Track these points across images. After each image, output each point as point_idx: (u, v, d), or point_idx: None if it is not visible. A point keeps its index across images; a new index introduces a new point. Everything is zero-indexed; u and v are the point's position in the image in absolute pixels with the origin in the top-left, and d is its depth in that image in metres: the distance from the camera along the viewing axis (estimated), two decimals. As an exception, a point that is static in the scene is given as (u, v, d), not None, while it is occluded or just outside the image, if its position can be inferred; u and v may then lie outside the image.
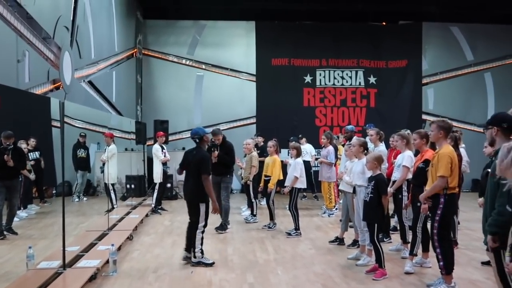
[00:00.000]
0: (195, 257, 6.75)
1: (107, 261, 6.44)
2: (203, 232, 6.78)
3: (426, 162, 6.04)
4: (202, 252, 6.77)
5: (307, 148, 13.22)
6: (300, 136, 13.35)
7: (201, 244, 6.78)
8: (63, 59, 7.72)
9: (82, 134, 10.12)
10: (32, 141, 7.76)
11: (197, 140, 6.98)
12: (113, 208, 10.25)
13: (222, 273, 6.38)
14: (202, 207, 6.73)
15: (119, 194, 11.42)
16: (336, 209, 10.86)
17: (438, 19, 16.50)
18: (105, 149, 10.17)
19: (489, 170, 4.37)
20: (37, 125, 7.87)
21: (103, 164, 10.04)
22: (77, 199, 10.07)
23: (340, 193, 10.67)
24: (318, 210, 11.67)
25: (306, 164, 12.32)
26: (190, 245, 6.87)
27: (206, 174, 6.71)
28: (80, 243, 7.39)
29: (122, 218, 9.91)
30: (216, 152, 9.22)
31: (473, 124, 15.26)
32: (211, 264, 6.71)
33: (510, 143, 3.31)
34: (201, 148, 7.01)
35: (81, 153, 10.21)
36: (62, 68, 7.70)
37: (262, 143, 12.72)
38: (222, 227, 9.23)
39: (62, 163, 6.34)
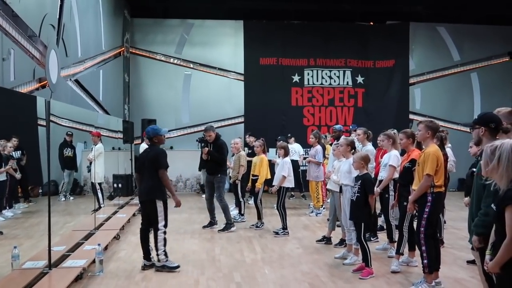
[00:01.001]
0: (159, 260, 6.43)
1: (94, 261, 6.40)
2: (164, 232, 6.42)
3: (413, 161, 6.08)
4: (166, 255, 6.44)
5: (296, 148, 13.23)
6: (289, 135, 13.36)
7: (164, 245, 6.42)
8: (49, 57, 7.67)
9: (68, 133, 10.03)
10: (14, 141, 7.67)
11: (148, 139, 6.96)
12: (100, 207, 10.18)
13: (209, 273, 6.38)
14: (160, 205, 6.41)
15: (106, 194, 11.35)
16: (324, 208, 10.90)
17: (425, 19, 16.61)
18: (92, 148, 10.10)
19: (475, 169, 4.41)
20: (22, 124, 7.78)
21: (90, 163, 9.98)
22: (63, 199, 9.98)
23: (327, 193, 10.73)
24: (305, 209, 11.70)
25: (294, 163, 12.34)
26: (147, 252, 6.58)
27: (163, 169, 6.44)
28: (66, 242, 7.33)
29: (109, 218, 9.86)
30: (206, 149, 9.20)
31: (460, 124, 15.37)
32: (175, 268, 6.43)
33: (493, 144, 3.32)
34: (155, 146, 6.72)
35: (67, 152, 10.12)
36: (48, 67, 7.64)
37: (253, 143, 12.70)
38: (226, 227, 9.16)
39: (48, 162, 6.29)
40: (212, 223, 9.49)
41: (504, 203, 3.12)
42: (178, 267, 6.46)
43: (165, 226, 6.46)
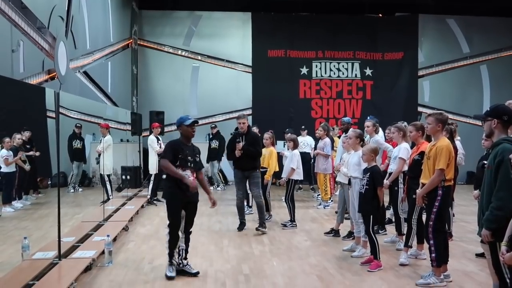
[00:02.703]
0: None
1: (103, 252, 6.43)
2: (169, 233, 5.83)
3: (422, 154, 6.05)
4: (170, 259, 5.85)
5: (308, 140, 13.17)
6: (302, 127, 13.32)
7: (169, 248, 5.83)
8: (58, 49, 7.68)
9: (78, 125, 10.08)
10: (27, 133, 7.71)
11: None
12: (108, 199, 10.23)
13: (217, 264, 6.39)
14: (166, 204, 5.96)
15: (114, 185, 11.39)
16: (332, 201, 10.89)
17: (434, 11, 16.50)
18: (101, 140, 10.14)
19: (485, 162, 4.38)
20: (32, 115, 7.82)
21: (99, 155, 10.02)
22: (72, 190, 10.05)
23: (336, 185, 10.71)
24: (313, 202, 11.70)
25: (306, 155, 12.35)
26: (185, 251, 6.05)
27: (163, 158, 5.91)
28: (75, 234, 7.38)
29: (117, 209, 9.90)
30: (241, 144, 8.29)
31: (469, 117, 15.28)
32: (170, 278, 5.76)
33: None
34: (178, 139, 6.11)
35: (76, 144, 10.17)
36: (57, 58, 7.66)
37: (259, 135, 12.69)
38: (261, 225, 8.37)
39: (57, 154, 6.33)
40: (243, 223, 8.71)
41: None
42: (173, 278, 5.76)
43: (169, 225, 5.85)
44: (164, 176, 13.20)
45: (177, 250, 5.91)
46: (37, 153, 7.72)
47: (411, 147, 6.90)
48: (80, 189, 10.47)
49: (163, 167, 5.89)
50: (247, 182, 8.68)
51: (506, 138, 4.04)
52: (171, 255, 5.86)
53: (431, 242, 5.46)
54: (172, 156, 5.84)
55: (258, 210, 8.48)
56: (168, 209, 5.91)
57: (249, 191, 10.29)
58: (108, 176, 10.34)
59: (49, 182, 9.13)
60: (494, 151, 4.05)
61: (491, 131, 4.18)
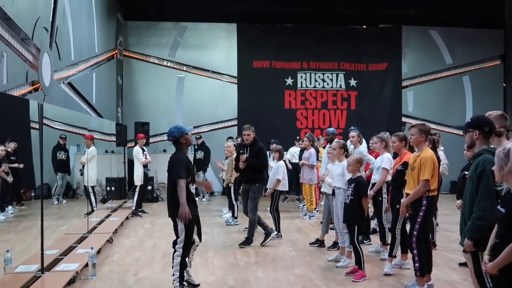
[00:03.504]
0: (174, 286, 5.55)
1: (87, 265, 6.38)
2: (181, 255, 5.49)
3: (405, 164, 6.10)
4: (180, 281, 5.49)
5: (298, 151, 13.19)
6: (297, 138, 13.39)
7: (179, 271, 5.47)
8: (42, 60, 7.65)
9: (62, 136, 10.00)
10: (12, 144, 7.64)
11: (172, 143, 5.73)
12: (92, 210, 10.15)
13: (202, 276, 6.37)
14: (180, 223, 5.49)
15: (99, 197, 11.31)
16: (317, 211, 10.91)
17: (417, 23, 16.70)
18: (85, 151, 10.07)
19: (467, 173, 4.43)
20: (15, 127, 7.75)
21: (83, 167, 9.94)
22: (56, 202, 9.94)
23: (321, 195, 10.74)
24: (299, 212, 11.72)
25: (296, 166, 12.35)
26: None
27: (176, 177, 5.44)
28: (59, 246, 7.31)
29: (102, 221, 9.84)
30: (245, 156, 8.06)
31: (452, 127, 15.45)
32: None
33: (505, 147, 3.30)
34: (178, 151, 5.69)
35: (61, 155, 10.08)
36: (41, 70, 7.63)
37: (264, 146, 12.67)
38: (247, 241, 8.15)
39: (40, 166, 6.28)
40: (268, 234, 8.28)
41: None
42: None
43: (184, 246, 5.53)
44: (149, 187, 13.30)
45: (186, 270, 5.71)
46: (21, 165, 7.65)
47: (394, 158, 6.96)
48: (64, 201, 10.35)
49: (181, 189, 5.39)
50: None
51: (487, 149, 4.10)
52: (182, 277, 5.52)
53: (415, 252, 5.51)
54: (187, 174, 5.54)
55: (248, 225, 8.29)
56: (186, 229, 5.50)
57: (234, 202, 10.31)
58: (92, 187, 10.27)
59: (32, 194, 9.03)
60: (475, 162, 4.10)
61: (473, 142, 4.24)
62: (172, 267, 5.56)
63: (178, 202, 5.38)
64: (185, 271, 5.63)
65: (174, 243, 5.59)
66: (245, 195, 8.35)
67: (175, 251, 5.55)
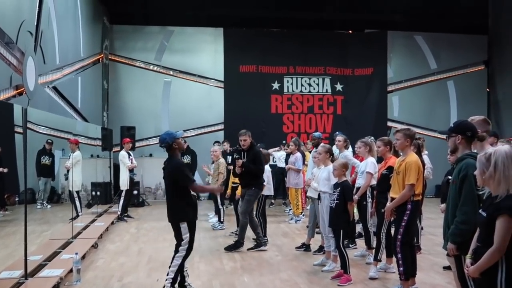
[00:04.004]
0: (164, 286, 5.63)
1: (71, 270, 6.33)
2: (184, 256, 5.63)
3: (390, 169, 6.16)
4: (172, 284, 5.58)
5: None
6: (284, 143, 13.43)
7: (174, 273, 5.58)
8: (26, 64, 7.59)
9: (49, 141, 9.91)
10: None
11: (166, 149, 5.80)
12: (77, 215, 10.06)
13: (188, 281, 6.33)
14: (183, 226, 5.62)
15: (84, 202, 11.23)
16: (303, 215, 10.94)
17: (402, 28, 16.86)
18: (70, 156, 9.99)
19: (450, 177, 4.47)
20: (-1, 131, 7.69)
21: (68, 171, 9.87)
22: (39, 206, 9.85)
23: (307, 200, 10.77)
24: (285, 216, 11.74)
25: (283, 170, 12.37)
26: (182, 278, 5.79)
27: (189, 183, 5.69)
28: (43, 252, 7.24)
29: (87, 226, 9.77)
30: (241, 161, 8.08)
31: (437, 131, 15.56)
32: None
33: (486, 151, 3.34)
34: (173, 157, 5.80)
35: (45, 160, 9.99)
36: (25, 74, 7.56)
37: (229, 150, 12.71)
38: (235, 245, 8.16)
39: (24, 170, 6.22)
40: (259, 244, 8.23)
41: (499, 212, 3.13)
42: None
43: (188, 249, 5.67)
44: (135, 192, 13.24)
45: (185, 271, 5.84)
46: (5, 170, 7.58)
47: (379, 162, 7.01)
48: (49, 206, 10.26)
49: (197, 187, 6.00)
50: None
51: (470, 153, 4.15)
52: (175, 280, 5.63)
53: (399, 255, 5.55)
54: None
55: (240, 228, 8.30)
56: (190, 231, 5.66)
57: (220, 206, 10.32)
58: (77, 192, 10.18)
59: (16, 199, 8.94)
60: (458, 166, 4.15)
61: (456, 147, 4.29)
62: (169, 267, 5.62)
63: (179, 207, 5.66)
64: (186, 282, 5.80)
65: (178, 246, 5.68)
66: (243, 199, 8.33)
67: (176, 252, 5.64)
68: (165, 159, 5.92)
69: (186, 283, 5.84)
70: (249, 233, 8.39)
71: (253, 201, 8.27)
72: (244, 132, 8.27)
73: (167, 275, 5.61)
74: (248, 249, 8.18)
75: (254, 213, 8.89)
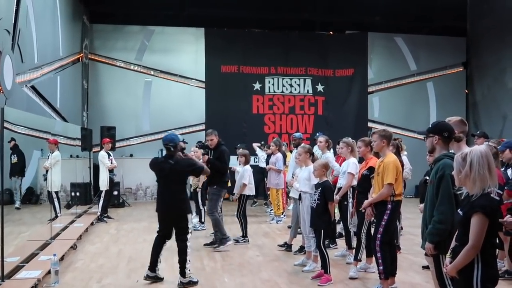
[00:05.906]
0: (184, 276, 6.13)
1: (49, 272, 6.24)
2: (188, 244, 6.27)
3: (371, 169, 6.20)
4: (185, 268, 6.20)
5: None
6: (262, 143, 13.43)
7: (189, 260, 6.27)
8: (3, 63, 7.48)
9: (10, 139, 9.76)
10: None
11: (172, 148, 6.20)
12: (56, 216, 9.93)
13: (168, 282, 6.31)
14: (190, 217, 6.42)
15: (63, 202, 11.08)
16: (284, 215, 10.95)
17: (383, 30, 17.01)
18: (49, 156, 9.86)
19: (428, 178, 4.52)
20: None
21: (46, 172, 9.74)
22: (17, 204, 9.68)
23: (289, 200, 10.80)
24: (266, 217, 11.75)
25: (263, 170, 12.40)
26: (155, 262, 6.26)
27: (204, 169, 6.55)
28: (20, 253, 7.12)
29: (66, 227, 9.65)
30: (206, 157, 8.34)
31: (415, 132, 15.73)
32: (196, 283, 6.20)
33: (463, 151, 3.39)
34: (174, 157, 6.24)
35: (13, 158, 9.82)
36: (2, 73, 7.46)
37: (196, 145, 12.63)
38: (221, 241, 8.26)
39: (1, 170, 6.12)
40: (223, 240, 8.29)
41: (473, 210, 3.19)
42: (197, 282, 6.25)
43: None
44: (115, 193, 13.12)
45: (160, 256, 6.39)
46: None
47: (360, 162, 7.05)
48: (16, 204, 10.02)
49: (206, 171, 6.73)
50: None
51: (447, 154, 4.20)
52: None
53: (378, 255, 5.59)
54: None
55: (213, 226, 8.40)
56: (190, 222, 6.46)
57: (201, 207, 10.30)
58: (56, 193, 10.05)
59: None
60: (435, 167, 4.20)
61: (433, 147, 4.35)
62: (185, 258, 6.19)
63: (186, 201, 6.38)
64: (157, 267, 6.33)
65: (183, 240, 6.24)
66: (208, 197, 8.65)
67: (185, 244, 6.23)
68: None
69: (157, 268, 6.29)
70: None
71: (217, 199, 8.44)
72: (210, 132, 8.64)
73: (187, 264, 6.18)
74: (204, 245, 8.49)
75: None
